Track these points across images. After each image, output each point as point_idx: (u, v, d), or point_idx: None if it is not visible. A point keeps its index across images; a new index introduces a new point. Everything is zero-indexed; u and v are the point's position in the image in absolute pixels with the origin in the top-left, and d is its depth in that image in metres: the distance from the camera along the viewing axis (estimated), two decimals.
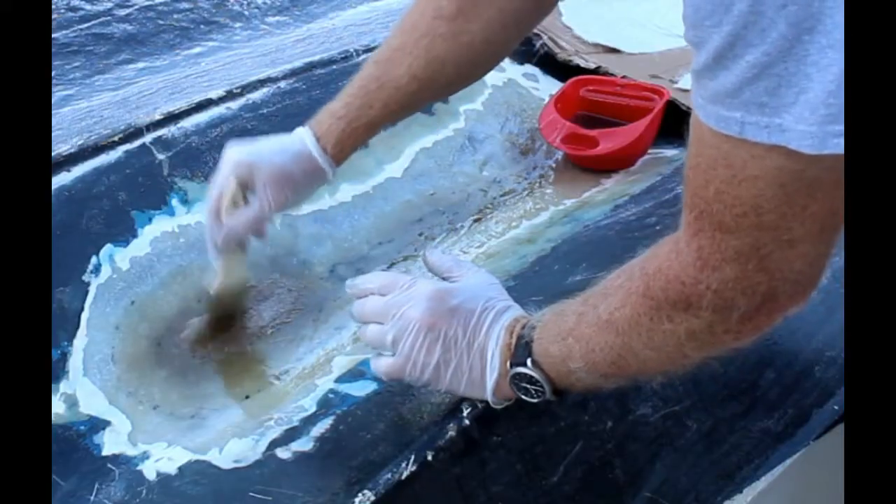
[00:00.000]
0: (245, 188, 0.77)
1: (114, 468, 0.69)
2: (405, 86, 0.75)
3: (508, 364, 0.61)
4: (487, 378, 0.62)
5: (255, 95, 1.01)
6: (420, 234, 0.97)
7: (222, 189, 0.77)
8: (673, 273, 0.50)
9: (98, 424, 0.73)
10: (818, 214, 0.45)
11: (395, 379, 0.66)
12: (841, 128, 0.40)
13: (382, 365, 0.66)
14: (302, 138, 0.77)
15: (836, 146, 0.41)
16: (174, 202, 0.88)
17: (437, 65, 0.75)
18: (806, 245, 0.47)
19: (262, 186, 0.76)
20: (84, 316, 0.79)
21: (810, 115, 0.40)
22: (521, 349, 0.61)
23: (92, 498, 0.66)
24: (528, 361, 0.60)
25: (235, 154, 0.77)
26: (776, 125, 0.42)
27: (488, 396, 0.63)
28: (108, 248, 0.83)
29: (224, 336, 0.83)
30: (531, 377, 0.60)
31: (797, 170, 0.43)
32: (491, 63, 0.82)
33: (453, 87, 0.83)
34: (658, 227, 0.82)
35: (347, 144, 0.78)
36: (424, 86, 0.76)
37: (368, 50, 1.12)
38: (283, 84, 1.04)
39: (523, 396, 0.62)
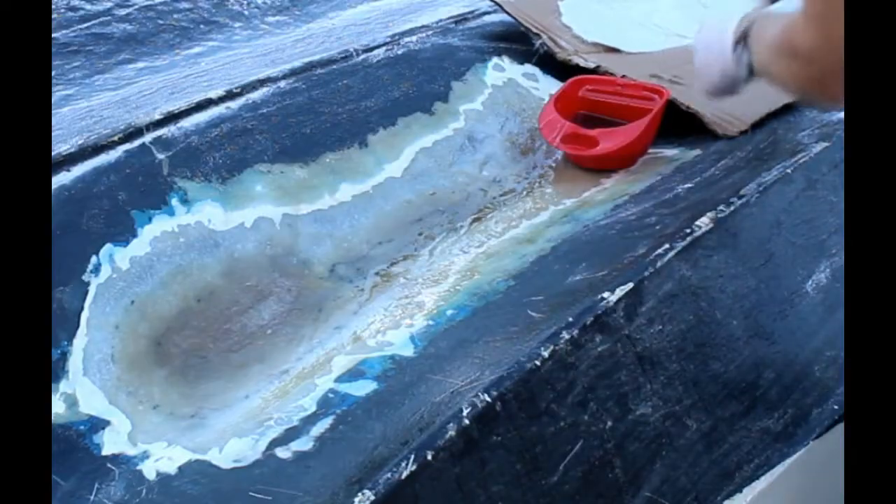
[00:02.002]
0: None
1: (114, 468, 0.69)
2: None
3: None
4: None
5: (255, 95, 1.01)
6: (420, 234, 0.97)
7: None
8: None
9: (98, 424, 0.73)
10: None
11: None
12: None
13: None
14: None
15: None
16: (174, 202, 0.88)
17: None
18: None
19: None
20: (84, 316, 0.79)
21: None
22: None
23: (92, 498, 0.66)
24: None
25: None
26: None
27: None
28: (107, 248, 0.83)
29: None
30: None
31: None
32: None
33: None
34: (658, 227, 0.82)
35: None
36: None
37: (368, 50, 1.12)
38: (282, 84, 1.04)
39: None
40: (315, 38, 1.21)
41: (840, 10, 0.55)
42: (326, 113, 1.02)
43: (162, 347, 0.80)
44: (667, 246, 0.75)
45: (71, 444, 0.71)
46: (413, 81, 1.10)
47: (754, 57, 0.79)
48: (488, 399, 0.63)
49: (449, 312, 0.80)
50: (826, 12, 0.58)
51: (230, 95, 1.00)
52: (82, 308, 0.79)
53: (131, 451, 0.71)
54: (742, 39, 0.81)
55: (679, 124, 1.05)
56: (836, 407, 0.76)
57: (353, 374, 0.74)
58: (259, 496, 0.63)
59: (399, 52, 1.14)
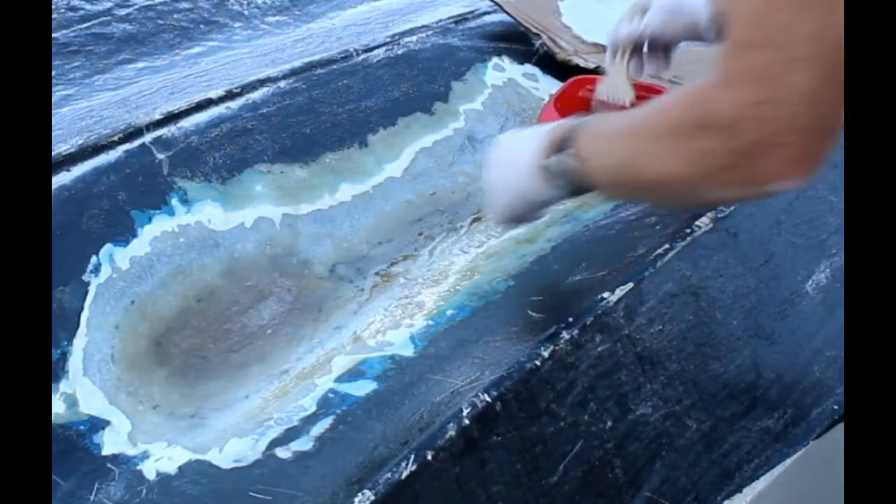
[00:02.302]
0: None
1: (114, 468, 0.69)
2: None
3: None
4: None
5: (255, 95, 1.01)
6: (420, 234, 0.97)
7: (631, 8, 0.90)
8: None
9: (98, 424, 0.73)
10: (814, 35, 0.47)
11: None
12: None
13: None
14: None
15: None
16: (174, 202, 0.88)
17: None
18: (809, 71, 0.47)
19: (653, 10, 0.89)
20: (84, 316, 0.79)
21: None
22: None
23: (92, 498, 0.66)
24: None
25: None
26: None
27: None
28: (107, 248, 0.83)
29: None
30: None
31: None
32: None
33: None
34: (658, 227, 0.82)
35: None
36: None
37: (368, 50, 1.12)
38: (282, 84, 1.04)
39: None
40: (315, 38, 1.21)
41: (797, 51, 0.47)
42: (326, 113, 1.02)
43: (162, 347, 0.80)
44: (667, 246, 0.75)
45: (71, 444, 0.71)
46: (413, 81, 1.10)
47: (592, 162, 0.65)
48: (488, 399, 0.64)
49: (449, 312, 0.81)
50: (768, 64, 0.48)
51: (230, 95, 1.00)
52: (82, 308, 0.79)
53: (131, 451, 0.71)
54: (557, 149, 0.67)
55: None
56: (836, 407, 0.76)
57: (353, 374, 0.74)
58: (259, 496, 0.63)
59: (399, 52, 1.14)
